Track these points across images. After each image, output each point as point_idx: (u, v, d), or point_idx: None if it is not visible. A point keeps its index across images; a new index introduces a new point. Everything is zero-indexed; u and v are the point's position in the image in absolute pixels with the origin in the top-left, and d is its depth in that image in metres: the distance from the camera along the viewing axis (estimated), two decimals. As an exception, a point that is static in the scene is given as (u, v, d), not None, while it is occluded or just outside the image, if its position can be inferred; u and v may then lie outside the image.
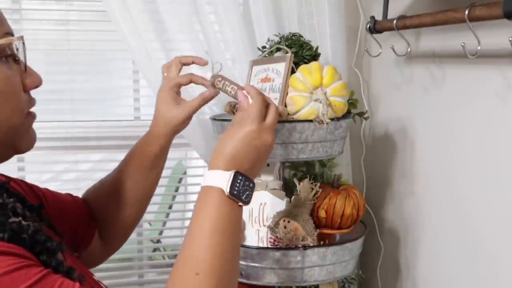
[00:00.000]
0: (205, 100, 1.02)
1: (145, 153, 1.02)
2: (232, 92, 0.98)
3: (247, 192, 0.78)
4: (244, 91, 0.89)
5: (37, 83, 0.75)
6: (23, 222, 0.68)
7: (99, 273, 1.67)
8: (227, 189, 0.75)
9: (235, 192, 0.76)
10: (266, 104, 0.85)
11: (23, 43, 0.71)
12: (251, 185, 0.79)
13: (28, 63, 0.73)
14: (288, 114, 1.14)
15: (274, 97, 1.17)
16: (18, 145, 0.75)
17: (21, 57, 0.71)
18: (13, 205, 0.72)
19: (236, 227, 0.77)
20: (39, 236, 0.67)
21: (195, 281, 0.69)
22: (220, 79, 1.03)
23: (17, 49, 0.71)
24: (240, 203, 0.77)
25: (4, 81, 0.68)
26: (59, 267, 0.65)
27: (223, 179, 0.76)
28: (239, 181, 0.77)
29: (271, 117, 0.84)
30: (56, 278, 0.60)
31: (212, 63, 1.07)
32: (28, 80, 0.73)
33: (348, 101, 1.21)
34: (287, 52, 1.20)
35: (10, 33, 0.71)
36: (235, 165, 0.78)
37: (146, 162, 1.02)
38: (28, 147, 0.77)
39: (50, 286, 0.58)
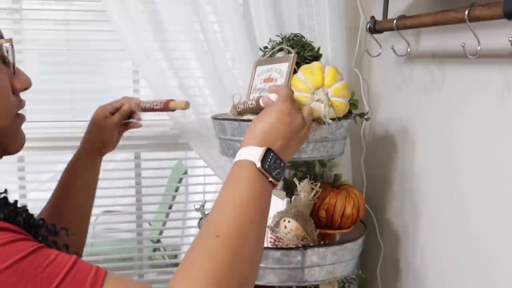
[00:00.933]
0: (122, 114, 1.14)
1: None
2: (253, 102, 1.04)
3: (278, 170, 0.79)
4: (266, 94, 0.94)
5: (26, 85, 0.76)
6: (18, 208, 0.70)
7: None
8: (258, 163, 0.76)
9: (266, 166, 0.77)
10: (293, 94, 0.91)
11: (12, 46, 0.72)
12: (282, 164, 0.80)
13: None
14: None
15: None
16: (7, 147, 0.75)
17: (10, 59, 0.72)
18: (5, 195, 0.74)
19: (264, 203, 0.77)
20: (33, 220, 0.68)
21: (213, 242, 0.68)
22: (240, 104, 1.12)
23: (7, 51, 0.72)
24: (271, 179, 0.77)
25: None
26: (55, 246, 0.66)
27: (254, 154, 0.77)
28: (270, 157, 0.78)
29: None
30: (52, 250, 0.60)
31: (233, 95, 1.16)
32: (17, 82, 0.74)
33: (349, 101, 1.21)
34: (289, 52, 1.20)
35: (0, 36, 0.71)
36: (267, 142, 0.80)
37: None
38: (17, 149, 0.77)
39: (46, 256, 0.58)
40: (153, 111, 1.15)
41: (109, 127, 1.14)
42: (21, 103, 0.77)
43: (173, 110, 1.13)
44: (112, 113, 1.14)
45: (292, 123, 0.84)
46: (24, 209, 0.71)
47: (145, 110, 1.14)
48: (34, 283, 0.55)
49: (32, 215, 0.73)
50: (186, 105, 1.11)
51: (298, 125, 0.85)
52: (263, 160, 0.77)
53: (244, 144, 0.80)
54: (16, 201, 0.73)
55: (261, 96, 0.98)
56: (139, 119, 1.18)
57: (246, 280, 0.68)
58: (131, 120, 1.18)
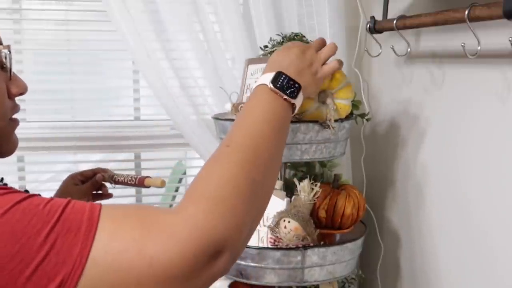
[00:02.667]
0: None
1: None
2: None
3: (292, 89, 0.83)
4: None
5: (22, 90, 0.77)
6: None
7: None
8: (270, 84, 0.81)
9: (278, 85, 0.81)
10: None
11: (9, 51, 0.73)
12: (296, 85, 0.84)
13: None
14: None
15: None
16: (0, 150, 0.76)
17: (8, 65, 0.73)
18: None
19: (279, 119, 0.79)
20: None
21: (224, 152, 0.71)
22: (242, 105, 1.15)
23: (5, 58, 0.73)
24: (286, 97, 0.81)
25: None
26: None
27: (267, 77, 0.83)
28: (282, 78, 0.83)
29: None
30: (47, 198, 0.62)
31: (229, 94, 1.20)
32: (13, 87, 0.75)
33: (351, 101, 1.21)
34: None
35: None
36: (279, 67, 0.85)
37: None
38: (9, 152, 0.78)
39: (43, 199, 0.60)
40: (126, 185, 1.15)
41: (77, 196, 1.12)
42: (16, 108, 0.78)
43: (148, 187, 1.13)
44: (83, 182, 1.14)
45: (303, 54, 0.90)
46: None
47: (118, 183, 1.14)
48: (37, 218, 0.56)
49: None
50: (162, 184, 1.11)
51: (308, 56, 0.90)
52: (275, 81, 0.81)
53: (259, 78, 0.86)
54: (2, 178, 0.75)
55: None
56: (107, 193, 1.18)
57: (260, 187, 0.70)
58: (101, 191, 1.18)
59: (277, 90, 0.81)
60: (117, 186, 1.16)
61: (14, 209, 0.57)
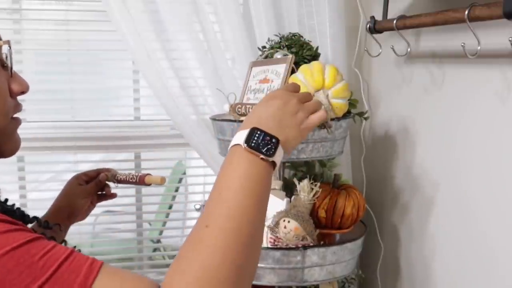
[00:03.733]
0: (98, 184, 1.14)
1: None
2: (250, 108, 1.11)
3: (269, 146, 0.75)
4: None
5: (24, 89, 0.76)
6: (15, 207, 0.72)
7: (99, 273, 1.67)
8: (243, 144, 0.74)
9: (253, 144, 0.74)
10: (296, 88, 0.88)
11: (10, 47, 0.72)
12: (273, 140, 0.76)
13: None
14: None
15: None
16: (2, 149, 0.75)
17: (8, 63, 0.73)
18: None
19: (258, 184, 0.73)
20: (27, 216, 0.70)
21: (203, 233, 0.65)
22: (240, 105, 1.16)
23: (6, 57, 0.72)
24: (262, 156, 0.74)
25: None
26: (52, 239, 0.66)
27: (241, 136, 0.75)
28: (257, 135, 0.75)
29: (301, 92, 0.87)
30: (50, 241, 0.60)
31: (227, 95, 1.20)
32: (14, 86, 0.75)
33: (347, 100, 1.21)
34: (286, 54, 1.20)
35: None
36: (254, 123, 0.77)
37: None
38: (12, 152, 0.77)
39: (43, 246, 0.58)
40: (128, 184, 1.14)
41: (82, 196, 1.11)
42: (18, 107, 0.77)
43: (149, 184, 1.12)
44: (87, 182, 1.13)
45: (285, 104, 0.81)
46: (17, 208, 0.73)
47: (120, 182, 1.14)
48: (29, 271, 0.55)
49: (24, 211, 0.74)
50: (162, 181, 1.10)
51: (291, 106, 0.81)
52: (249, 139, 0.74)
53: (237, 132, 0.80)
54: (6, 199, 0.74)
55: None
56: (110, 193, 1.17)
57: (245, 268, 0.66)
58: (104, 192, 1.17)
59: (252, 150, 0.73)
60: (119, 185, 1.16)
61: (8, 256, 0.55)
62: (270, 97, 0.82)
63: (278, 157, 0.76)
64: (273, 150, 0.75)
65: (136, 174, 1.14)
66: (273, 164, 0.76)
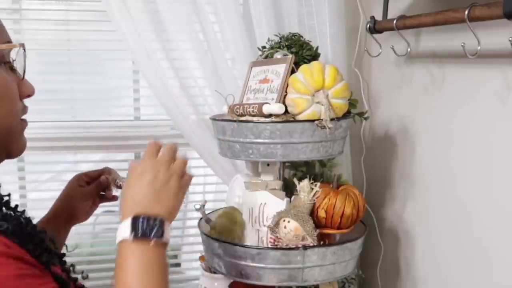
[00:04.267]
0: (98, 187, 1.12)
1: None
2: (255, 110, 1.14)
3: (156, 228, 0.74)
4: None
5: (30, 92, 0.79)
6: (22, 219, 0.72)
7: (99, 273, 1.67)
8: (130, 236, 0.74)
9: (140, 234, 0.74)
10: (158, 148, 0.84)
11: (24, 50, 0.76)
12: (157, 221, 0.75)
13: (27, 64, 0.77)
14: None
15: (272, 97, 1.18)
16: (10, 149, 0.78)
17: (20, 65, 0.76)
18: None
19: (159, 270, 0.74)
20: (37, 233, 0.71)
21: None
22: (238, 106, 1.19)
23: (13, 60, 0.76)
24: (152, 242, 0.74)
25: (4, 85, 0.73)
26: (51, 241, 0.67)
27: (125, 229, 0.75)
28: (140, 222, 0.74)
29: (162, 151, 0.83)
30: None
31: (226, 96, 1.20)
32: (23, 88, 0.78)
33: (347, 100, 1.21)
34: (286, 54, 1.20)
35: (10, 42, 0.76)
36: (133, 209, 0.76)
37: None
38: (19, 152, 0.80)
39: None
40: None
41: (82, 199, 1.10)
42: (25, 109, 0.80)
43: None
44: (88, 183, 1.12)
45: (155, 177, 0.79)
46: (28, 220, 0.73)
47: (120, 187, 1.11)
48: None
49: (35, 225, 0.75)
50: None
51: (162, 176, 0.80)
52: (134, 228, 0.74)
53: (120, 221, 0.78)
54: (8, 201, 0.75)
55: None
56: (111, 196, 1.15)
57: None
58: (106, 193, 1.16)
59: (141, 239, 0.73)
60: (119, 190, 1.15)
61: None
62: (137, 174, 0.80)
63: (167, 234, 0.76)
64: (161, 230, 0.75)
65: None
66: (165, 243, 0.76)
